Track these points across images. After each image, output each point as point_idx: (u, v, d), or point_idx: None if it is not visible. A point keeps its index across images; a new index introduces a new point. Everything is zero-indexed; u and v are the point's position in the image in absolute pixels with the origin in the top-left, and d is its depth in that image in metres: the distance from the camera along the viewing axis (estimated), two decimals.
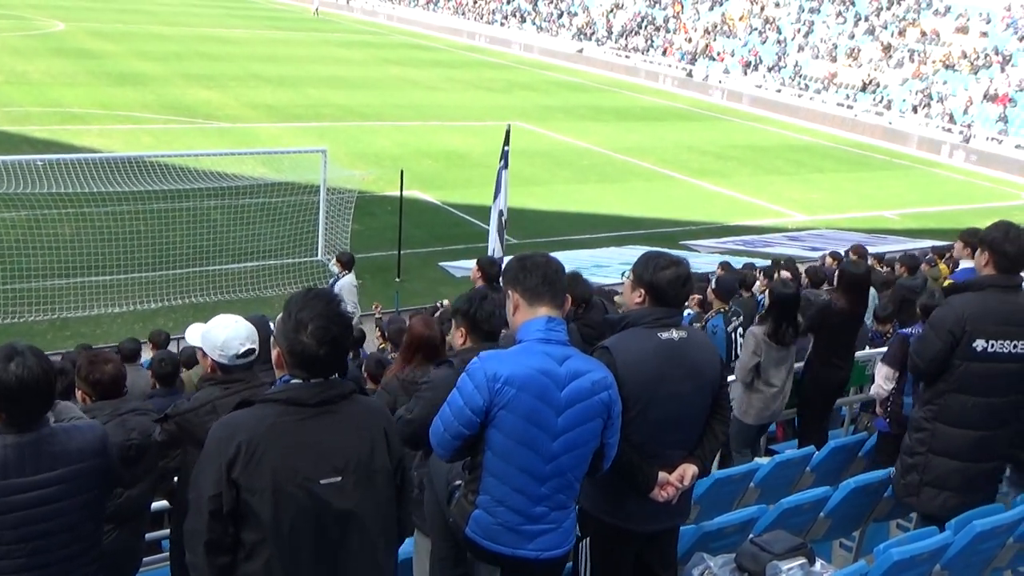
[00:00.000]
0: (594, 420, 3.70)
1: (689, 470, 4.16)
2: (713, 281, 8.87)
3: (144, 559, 5.11)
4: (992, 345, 4.92)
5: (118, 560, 4.48)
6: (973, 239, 7.86)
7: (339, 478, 3.09)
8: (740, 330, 8.41)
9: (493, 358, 3.64)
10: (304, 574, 3.09)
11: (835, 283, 7.97)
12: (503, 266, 4.02)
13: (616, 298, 11.51)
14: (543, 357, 3.63)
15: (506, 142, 14.93)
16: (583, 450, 3.72)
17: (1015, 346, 4.94)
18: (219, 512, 3.02)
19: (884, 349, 8.55)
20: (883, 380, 6.53)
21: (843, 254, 14.82)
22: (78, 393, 4.79)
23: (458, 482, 3.93)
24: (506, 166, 14.78)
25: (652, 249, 4.37)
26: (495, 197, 14.99)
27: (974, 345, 4.92)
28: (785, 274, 12.29)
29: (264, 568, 3.06)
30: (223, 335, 4.39)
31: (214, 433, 3.11)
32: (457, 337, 4.51)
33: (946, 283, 8.58)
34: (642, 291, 4.13)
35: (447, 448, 3.67)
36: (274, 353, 3.26)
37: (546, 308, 3.73)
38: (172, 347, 11.45)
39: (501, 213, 14.88)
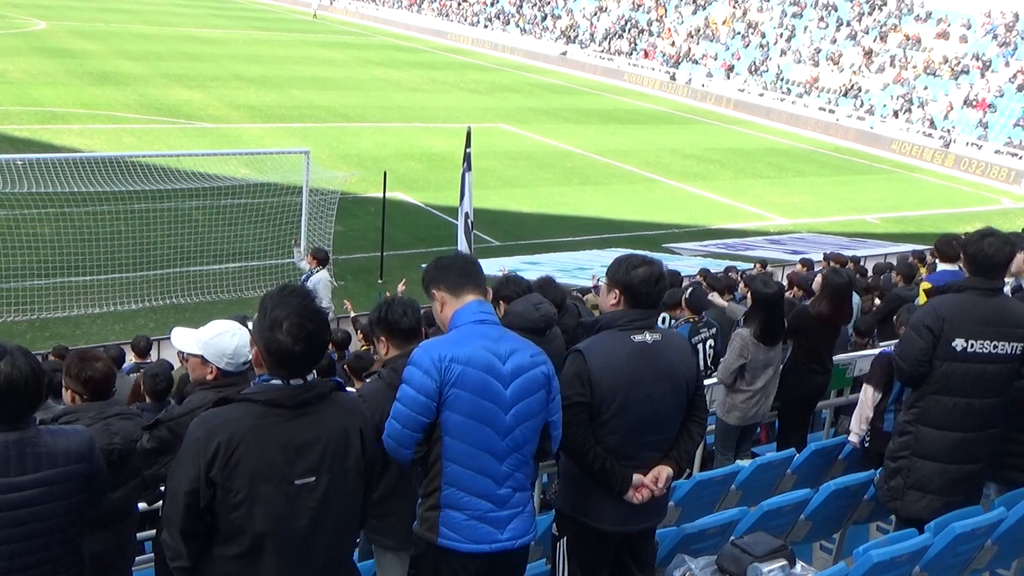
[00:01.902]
0: (538, 392, 3.79)
1: (663, 472, 4.18)
2: (687, 292, 8.85)
3: (138, 559, 5.10)
4: (971, 345, 4.94)
5: (104, 563, 4.43)
6: (948, 248, 7.99)
7: (313, 478, 3.16)
8: (711, 342, 8.37)
9: (434, 343, 3.74)
10: (274, 566, 3.15)
11: (819, 290, 7.96)
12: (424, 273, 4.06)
13: (588, 296, 11.53)
14: (482, 336, 3.74)
15: (467, 144, 14.88)
16: (533, 422, 3.79)
17: (995, 346, 4.96)
18: (195, 506, 3.09)
19: (868, 352, 8.60)
20: (869, 402, 6.47)
21: (818, 260, 14.92)
22: (66, 393, 4.72)
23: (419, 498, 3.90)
24: (469, 168, 14.73)
25: (626, 251, 4.40)
26: (460, 200, 14.94)
27: (953, 344, 4.94)
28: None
29: (237, 558, 3.13)
30: (233, 343, 4.33)
31: (194, 430, 3.14)
32: (381, 348, 4.48)
33: (923, 285, 8.62)
34: (617, 292, 4.15)
35: (408, 443, 3.68)
36: (252, 352, 3.29)
37: (472, 295, 3.83)
38: (154, 350, 11.38)
39: (467, 216, 14.83)
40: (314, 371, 3.27)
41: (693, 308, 8.55)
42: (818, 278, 8.22)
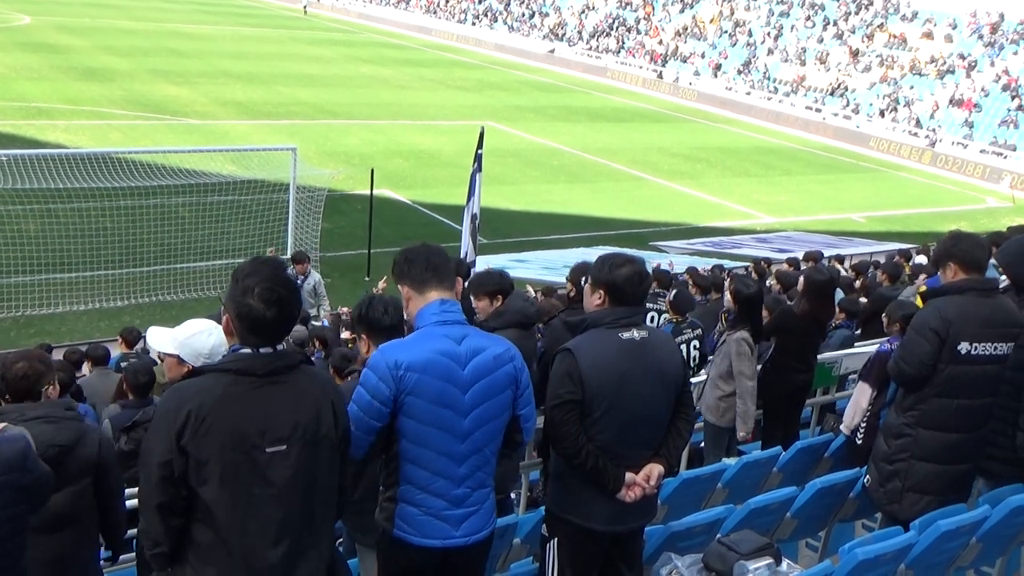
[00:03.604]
0: (502, 393, 3.78)
1: (655, 470, 4.18)
2: (671, 294, 8.85)
3: (121, 557, 5.03)
4: (975, 348, 4.93)
5: (56, 569, 4.24)
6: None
7: (284, 447, 3.15)
8: (695, 343, 8.33)
9: (393, 347, 3.71)
10: (250, 538, 3.14)
11: (801, 289, 7.98)
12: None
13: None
14: (442, 339, 3.70)
15: (479, 145, 14.60)
16: (495, 424, 3.79)
17: (995, 348, 4.96)
18: (170, 477, 3.08)
19: (852, 351, 8.63)
20: (863, 398, 6.47)
21: (800, 259, 14.98)
22: None
23: (380, 488, 3.93)
24: (479, 169, 14.46)
25: (609, 250, 4.38)
26: (468, 200, 14.68)
27: (958, 348, 4.91)
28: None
29: (213, 532, 3.13)
30: (209, 342, 4.29)
31: (164, 402, 3.17)
32: (362, 346, 4.45)
33: (921, 288, 8.60)
34: (601, 292, 4.15)
35: (360, 446, 3.67)
36: (224, 320, 3.29)
37: (435, 292, 3.79)
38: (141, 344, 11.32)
39: (475, 217, 14.59)
40: (284, 343, 3.28)
41: (678, 309, 8.53)
42: (801, 277, 8.24)
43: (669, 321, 8.56)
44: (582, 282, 4.43)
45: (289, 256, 14.49)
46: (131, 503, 5.06)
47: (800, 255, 15.99)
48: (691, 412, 4.42)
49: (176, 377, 4.37)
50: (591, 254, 19.15)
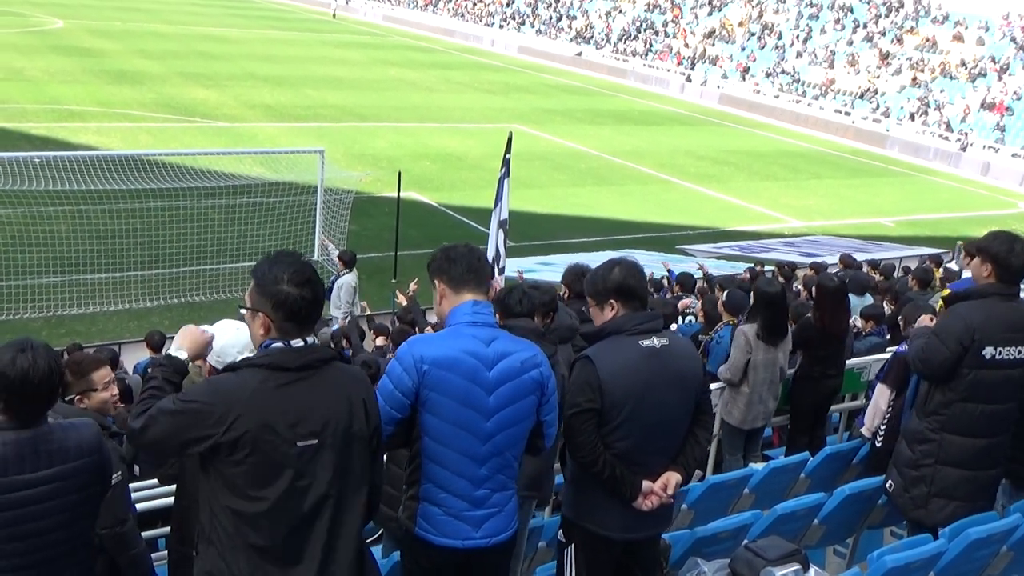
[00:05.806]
0: (527, 398, 3.80)
1: (672, 478, 4.18)
2: (724, 295, 8.84)
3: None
4: (1000, 352, 4.91)
5: None
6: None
7: (315, 441, 3.17)
8: None
9: (420, 341, 3.78)
10: (279, 533, 3.17)
11: (815, 299, 7.99)
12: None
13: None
14: (470, 339, 3.74)
15: (507, 150, 14.42)
16: (518, 428, 3.81)
17: (1019, 351, 4.95)
18: (184, 447, 3.17)
19: (879, 357, 8.57)
20: (882, 400, 6.45)
21: (832, 263, 14.87)
22: None
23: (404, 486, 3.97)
24: (507, 174, 14.27)
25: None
26: (496, 205, 14.49)
27: (983, 353, 4.89)
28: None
29: (240, 526, 3.15)
30: (220, 341, 4.37)
31: (201, 395, 3.19)
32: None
33: (945, 292, 8.54)
34: (613, 301, 4.14)
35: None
36: (254, 320, 3.30)
37: (471, 294, 3.85)
38: (167, 346, 11.42)
39: (503, 223, 14.37)
40: (314, 336, 3.32)
41: (732, 311, 8.50)
42: (813, 287, 8.23)
43: (726, 324, 8.52)
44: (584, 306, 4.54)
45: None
46: (157, 504, 5.12)
47: (826, 259, 15.90)
48: (709, 419, 4.42)
49: (203, 373, 4.55)
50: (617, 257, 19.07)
